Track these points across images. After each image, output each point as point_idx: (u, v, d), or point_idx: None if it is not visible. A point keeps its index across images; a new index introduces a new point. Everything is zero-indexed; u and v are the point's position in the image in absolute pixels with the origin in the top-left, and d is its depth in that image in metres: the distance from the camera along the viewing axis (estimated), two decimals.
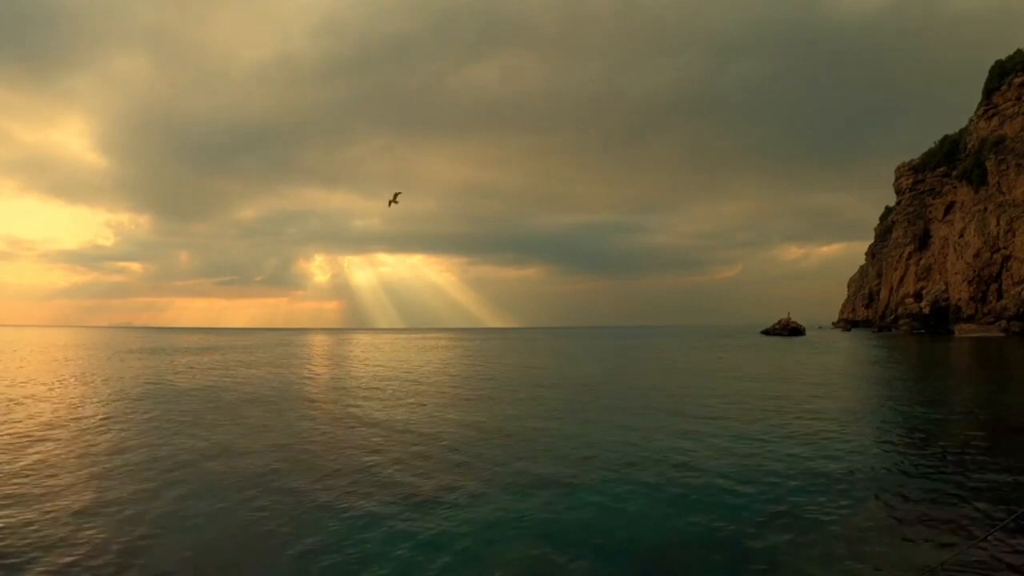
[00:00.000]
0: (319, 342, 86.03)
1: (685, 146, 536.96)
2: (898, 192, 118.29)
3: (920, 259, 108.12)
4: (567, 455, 11.72)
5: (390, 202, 22.70)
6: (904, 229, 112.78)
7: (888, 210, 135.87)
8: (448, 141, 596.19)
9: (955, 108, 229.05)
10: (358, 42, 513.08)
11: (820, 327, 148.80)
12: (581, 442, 12.98)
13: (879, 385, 25.74)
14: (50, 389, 23.26)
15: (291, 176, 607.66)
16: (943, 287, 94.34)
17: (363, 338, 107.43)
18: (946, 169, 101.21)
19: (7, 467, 10.77)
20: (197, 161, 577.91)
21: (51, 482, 9.82)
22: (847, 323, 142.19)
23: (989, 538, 6.86)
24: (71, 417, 16.48)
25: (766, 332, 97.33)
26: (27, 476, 10.18)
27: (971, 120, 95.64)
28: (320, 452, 12.13)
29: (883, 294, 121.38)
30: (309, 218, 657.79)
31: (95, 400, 20.09)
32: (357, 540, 7.28)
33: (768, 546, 7.03)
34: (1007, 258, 78.82)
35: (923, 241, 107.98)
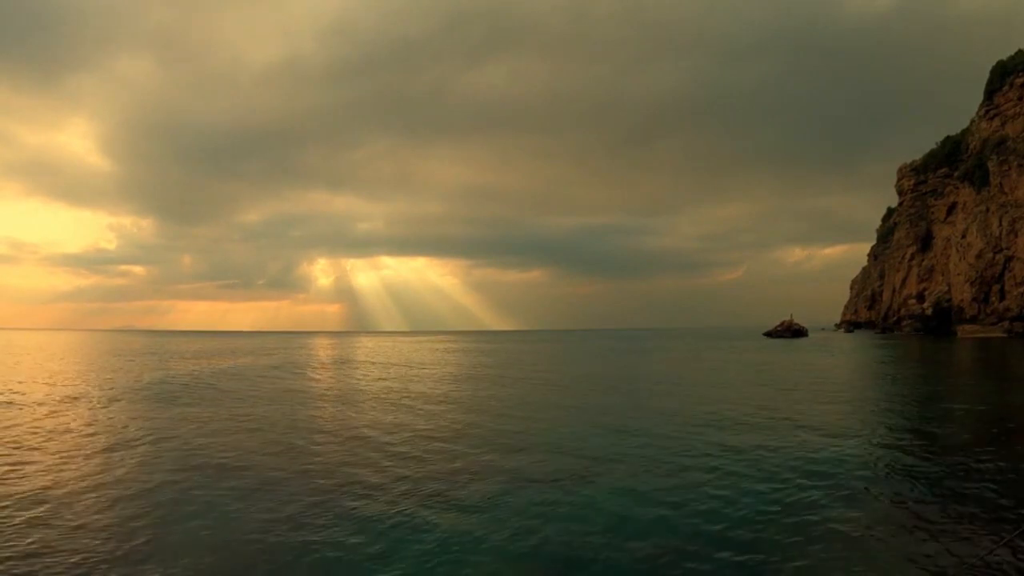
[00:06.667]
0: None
1: (688, 148, 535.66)
2: (900, 193, 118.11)
3: (922, 260, 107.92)
4: (580, 456, 11.82)
5: None
6: (906, 230, 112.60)
7: (890, 211, 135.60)
8: (452, 143, 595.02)
9: (956, 109, 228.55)
10: (364, 45, 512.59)
11: (823, 328, 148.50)
12: (592, 444, 13.07)
13: (883, 385, 25.73)
14: None
15: (295, 179, 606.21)
16: (945, 288, 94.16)
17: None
18: (948, 170, 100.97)
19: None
20: (201, 164, 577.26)
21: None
22: (849, 324, 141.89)
23: (999, 547, 6.61)
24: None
25: (768, 334, 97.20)
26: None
27: (973, 121, 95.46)
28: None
29: (885, 295, 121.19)
30: (312, 221, 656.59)
31: None
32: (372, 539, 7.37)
33: (770, 550, 7.08)
34: (1009, 259, 78.69)
35: (925, 242, 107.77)
